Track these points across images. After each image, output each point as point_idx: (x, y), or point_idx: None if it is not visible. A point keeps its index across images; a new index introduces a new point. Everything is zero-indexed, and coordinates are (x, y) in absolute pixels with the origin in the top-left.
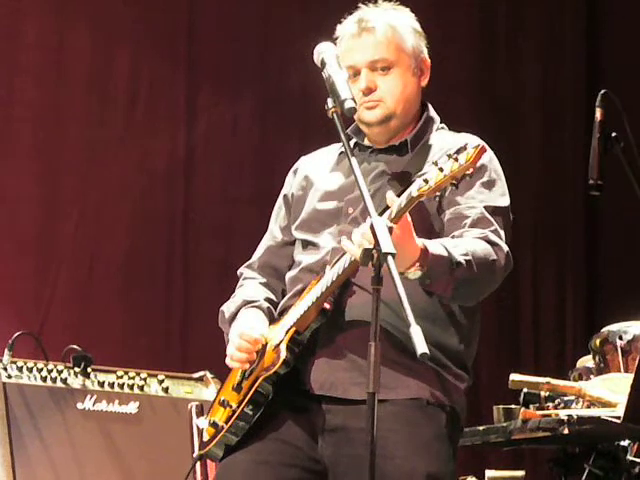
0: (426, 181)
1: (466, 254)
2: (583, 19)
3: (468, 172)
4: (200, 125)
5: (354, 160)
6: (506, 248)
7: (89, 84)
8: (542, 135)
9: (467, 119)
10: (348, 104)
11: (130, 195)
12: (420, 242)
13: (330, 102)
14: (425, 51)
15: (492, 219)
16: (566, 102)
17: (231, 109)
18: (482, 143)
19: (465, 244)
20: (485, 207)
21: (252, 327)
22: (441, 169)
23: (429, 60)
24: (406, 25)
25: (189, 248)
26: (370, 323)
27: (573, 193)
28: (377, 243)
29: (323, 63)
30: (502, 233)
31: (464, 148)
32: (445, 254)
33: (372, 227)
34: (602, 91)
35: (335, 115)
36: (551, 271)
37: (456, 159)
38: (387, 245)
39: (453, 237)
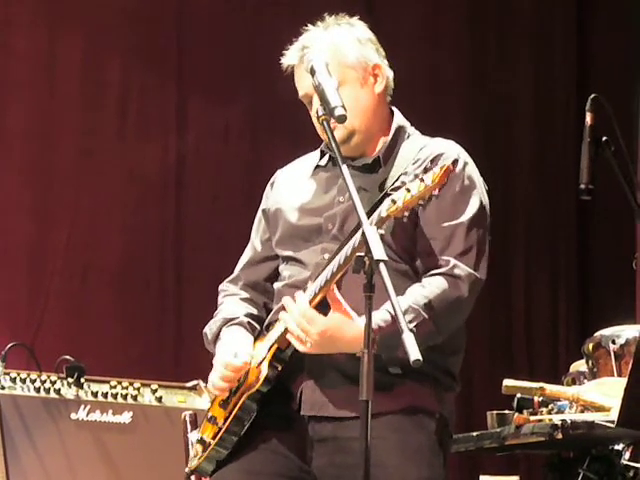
0: (394, 201)
1: (417, 315)
2: (573, 21)
3: (435, 192)
4: (191, 134)
5: (345, 168)
6: (472, 275)
7: (80, 94)
8: (533, 139)
9: (457, 123)
10: (338, 111)
11: (122, 205)
12: (361, 321)
13: (320, 110)
14: (375, 56)
15: (463, 237)
16: (557, 105)
17: (222, 117)
18: (448, 162)
19: (415, 300)
20: (456, 224)
21: (236, 353)
22: (408, 189)
23: (383, 62)
24: (347, 39)
25: (182, 256)
26: None
27: (565, 198)
28: (368, 250)
29: (312, 71)
30: (475, 247)
31: (430, 168)
32: (392, 324)
33: (364, 234)
34: (592, 95)
35: (325, 123)
36: (544, 276)
37: (422, 179)
38: (379, 252)
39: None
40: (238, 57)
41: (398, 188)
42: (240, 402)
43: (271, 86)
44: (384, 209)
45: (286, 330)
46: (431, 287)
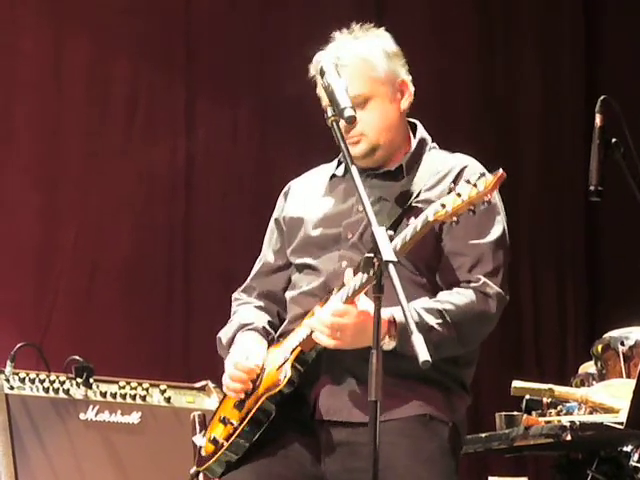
0: (443, 206)
1: (441, 316)
2: (582, 23)
3: (486, 199)
4: (199, 134)
5: (354, 169)
6: (500, 294)
7: (88, 95)
8: (541, 140)
9: (465, 124)
10: (348, 112)
11: (130, 205)
12: (388, 312)
13: (329, 111)
14: (402, 71)
15: (492, 256)
16: (565, 106)
17: (230, 118)
18: (501, 171)
19: (443, 304)
20: (486, 244)
21: (247, 356)
22: (459, 194)
23: (408, 78)
24: (376, 52)
25: (190, 257)
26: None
27: (573, 199)
28: (378, 251)
29: (322, 72)
30: (502, 268)
31: (483, 174)
32: (417, 320)
33: (373, 236)
34: (602, 97)
35: (334, 124)
36: (552, 277)
37: (475, 185)
38: (388, 253)
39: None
40: (246, 57)
41: (422, 202)
42: (259, 403)
43: (279, 85)
44: (431, 213)
45: (311, 333)
46: (460, 296)
